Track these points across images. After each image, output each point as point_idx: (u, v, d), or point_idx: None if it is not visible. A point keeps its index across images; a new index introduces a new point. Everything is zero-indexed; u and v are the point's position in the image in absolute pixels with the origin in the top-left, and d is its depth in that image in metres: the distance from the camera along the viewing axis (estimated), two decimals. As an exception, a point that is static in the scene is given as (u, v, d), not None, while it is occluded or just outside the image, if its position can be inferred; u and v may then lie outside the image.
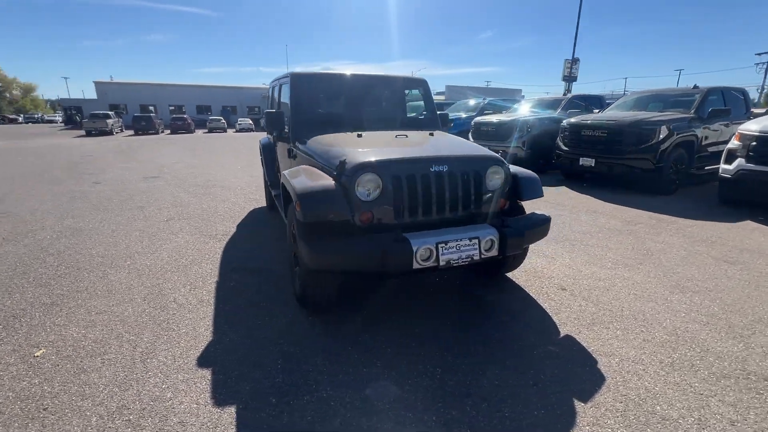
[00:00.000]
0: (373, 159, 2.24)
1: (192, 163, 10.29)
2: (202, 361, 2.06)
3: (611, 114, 7.09)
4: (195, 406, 1.74)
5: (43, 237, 4.09)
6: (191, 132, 29.71)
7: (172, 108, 39.41)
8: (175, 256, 3.56)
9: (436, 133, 3.16)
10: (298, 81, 3.28)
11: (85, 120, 27.36)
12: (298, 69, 3.59)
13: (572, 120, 7.07)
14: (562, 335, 2.32)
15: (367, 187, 2.19)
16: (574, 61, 23.28)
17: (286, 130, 3.25)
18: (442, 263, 2.16)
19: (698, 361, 2.06)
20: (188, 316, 2.51)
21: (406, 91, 3.98)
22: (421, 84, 3.76)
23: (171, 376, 1.94)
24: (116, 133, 27.25)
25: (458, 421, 1.66)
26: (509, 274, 3.15)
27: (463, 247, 2.22)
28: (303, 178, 2.33)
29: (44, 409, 1.72)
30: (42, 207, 5.38)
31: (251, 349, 2.16)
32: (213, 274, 3.17)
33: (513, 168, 2.72)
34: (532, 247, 3.78)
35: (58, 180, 7.69)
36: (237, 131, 32.01)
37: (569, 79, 24.76)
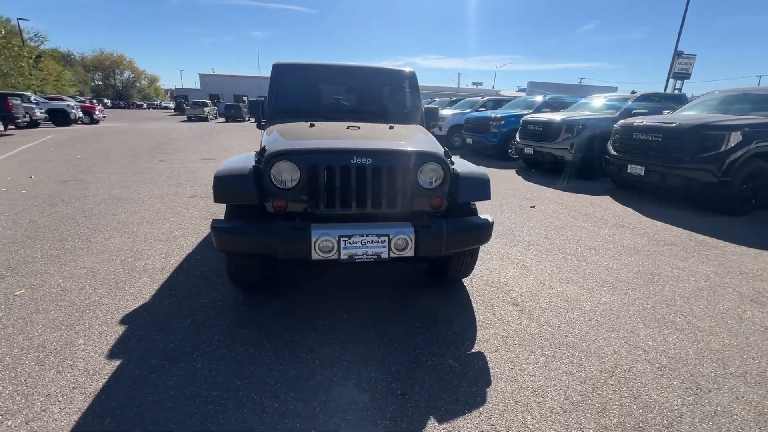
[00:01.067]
0: (291, 148, 2.26)
1: (249, 148, 11.20)
2: (125, 320, 2.31)
3: (675, 115, 6.06)
4: (92, 355, 1.98)
5: (89, 202, 4.86)
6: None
7: (262, 98, 43.13)
8: (173, 228, 3.98)
9: (398, 126, 3.04)
10: (277, 71, 3.41)
11: (188, 107, 31.43)
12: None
13: (624, 120, 6.20)
14: (473, 351, 2.12)
15: (282, 175, 2.22)
16: (678, 55, 20.16)
17: (263, 119, 3.41)
18: (343, 257, 2.12)
19: (616, 409, 1.73)
20: (145, 280, 2.82)
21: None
22: (407, 76, 3.63)
23: (93, 327, 2.21)
24: (211, 119, 30.72)
25: (294, 413, 1.64)
26: (466, 281, 2.95)
27: (369, 243, 2.14)
28: (230, 162, 2.45)
29: (-12, 336, 2.10)
30: (107, 178, 6.38)
31: (169, 316, 2.36)
32: (191, 246, 3.49)
33: (461, 166, 2.51)
34: (509, 256, 3.48)
35: (136, 156, 9.00)
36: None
37: (680, 76, 21.56)
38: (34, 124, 17.24)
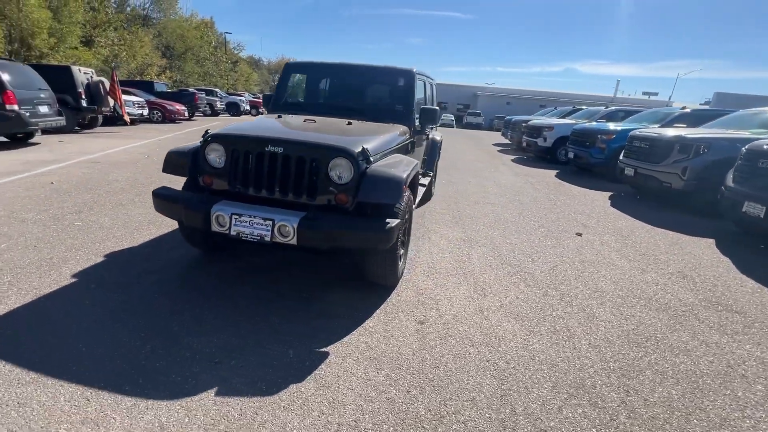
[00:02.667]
0: (221, 132, 2.58)
1: None
2: (82, 274, 2.77)
3: None
4: (42, 300, 2.65)
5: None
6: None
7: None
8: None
9: (361, 123, 3.06)
10: (287, 69, 3.79)
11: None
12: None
13: (754, 143, 4.57)
14: (319, 350, 2.08)
15: (211, 155, 2.57)
16: None
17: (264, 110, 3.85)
18: (233, 233, 2.34)
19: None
20: (123, 244, 3.51)
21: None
22: (402, 76, 3.56)
23: (58, 280, 2.91)
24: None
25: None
26: (398, 288, 2.79)
27: (255, 224, 2.31)
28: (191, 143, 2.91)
29: None
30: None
31: (126, 272, 2.94)
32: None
33: (373, 166, 2.42)
34: (479, 276, 3.10)
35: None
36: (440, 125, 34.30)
37: None
38: (215, 113, 22.29)
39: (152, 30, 28.34)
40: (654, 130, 6.72)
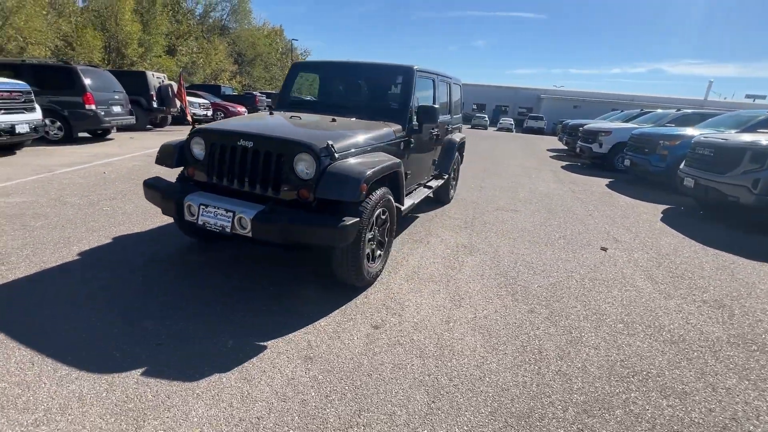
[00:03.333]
0: (203, 127, 2.70)
1: None
2: (87, 253, 3.07)
3: None
4: (42, 273, 2.99)
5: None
6: (456, 126, 33.15)
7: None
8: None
9: (341, 120, 3.02)
10: (293, 68, 3.87)
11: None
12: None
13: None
14: (258, 342, 2.07)
15: (195, 148, 2.70)
16: None
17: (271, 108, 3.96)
18: (200, 222, 2.44)
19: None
20: (133, 228, 3.83)
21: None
22: (401, 74, 3.45)
23: (64, 256, 3.25)
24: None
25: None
26: (372, 289, 2.70)
27: (219, 215, 2.38)
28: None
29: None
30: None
31: (122, 254, 3.21)
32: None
33: (337, 163, 2.37)
34: (463, 286, 2.90)
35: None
36: (497, 129, 33.07)
37: None
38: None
39: (227, 39, 31.00)
40: (723, 136, 5.81)
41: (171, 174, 3.10)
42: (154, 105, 11.33)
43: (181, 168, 2.84)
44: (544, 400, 1.81)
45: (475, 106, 46.66)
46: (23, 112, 6.27)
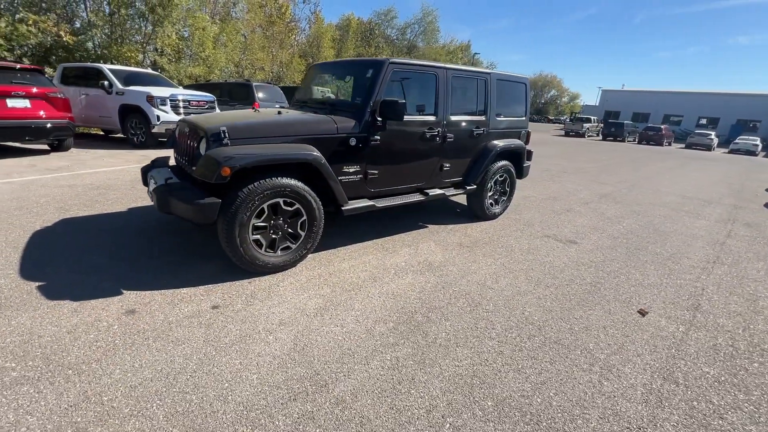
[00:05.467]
0: (181, 118, 3.31)
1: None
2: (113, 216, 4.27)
3: None
4: (77, 220, 4.13)
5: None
6: (660, 145, 26.26)
7: (677, 118, 35.70)
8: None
9: (284, 111, 3.12)
10: (309, 69, 4.12)
11: (568, 122, 31.95)
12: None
13: None
14: (104, 289, 2.43)
15: (175, 133, 3.35)
16: None
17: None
18: (149, 192, 3.03)
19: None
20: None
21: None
22: (372, 66, 3.18)
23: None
24: (588, 136, 29.71)
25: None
26: (261, 277, 2.73)
27: (151, 183, 2.90)
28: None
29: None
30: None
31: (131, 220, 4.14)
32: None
33: (221, 148, 2.52)
34: (353, 291, 2.57)
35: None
36: (728, 151, 24.50)
37: None
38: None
39: (412, 56, 34.12)
40: None
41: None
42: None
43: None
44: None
45: (704, 120, 36.06)
46: (207, 115, 8.83)
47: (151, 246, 3.15)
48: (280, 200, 2.69)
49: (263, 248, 2.73)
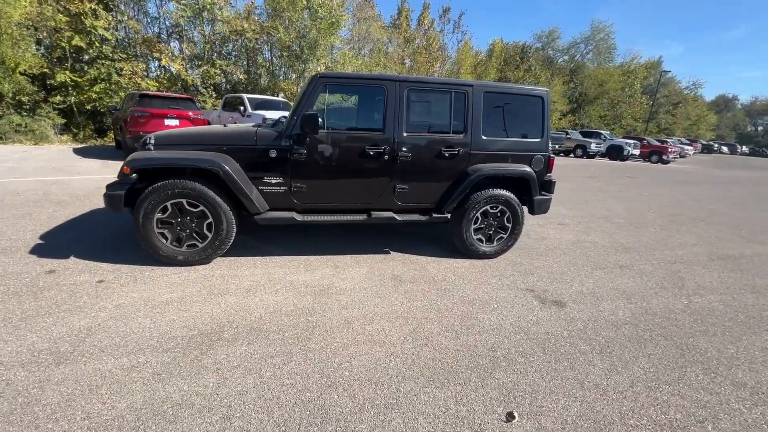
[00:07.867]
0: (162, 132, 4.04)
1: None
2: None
3: None
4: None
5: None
6: None
7: None
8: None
9: (230, 125, 3.38)
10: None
11: None
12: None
13: None
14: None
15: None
16: None
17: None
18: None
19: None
20: None
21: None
22: (309, 81, 3.18)
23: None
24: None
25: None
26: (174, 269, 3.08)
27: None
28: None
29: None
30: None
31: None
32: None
33: (144, 152, 2.99)
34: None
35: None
36: None
37: None
38: (588, 155, 21.13)
39: (575, 77, 30.51)
40: None
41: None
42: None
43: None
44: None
45: None
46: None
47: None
48: (184, 201, 2.99)
49: (168, 241, 3.07)
